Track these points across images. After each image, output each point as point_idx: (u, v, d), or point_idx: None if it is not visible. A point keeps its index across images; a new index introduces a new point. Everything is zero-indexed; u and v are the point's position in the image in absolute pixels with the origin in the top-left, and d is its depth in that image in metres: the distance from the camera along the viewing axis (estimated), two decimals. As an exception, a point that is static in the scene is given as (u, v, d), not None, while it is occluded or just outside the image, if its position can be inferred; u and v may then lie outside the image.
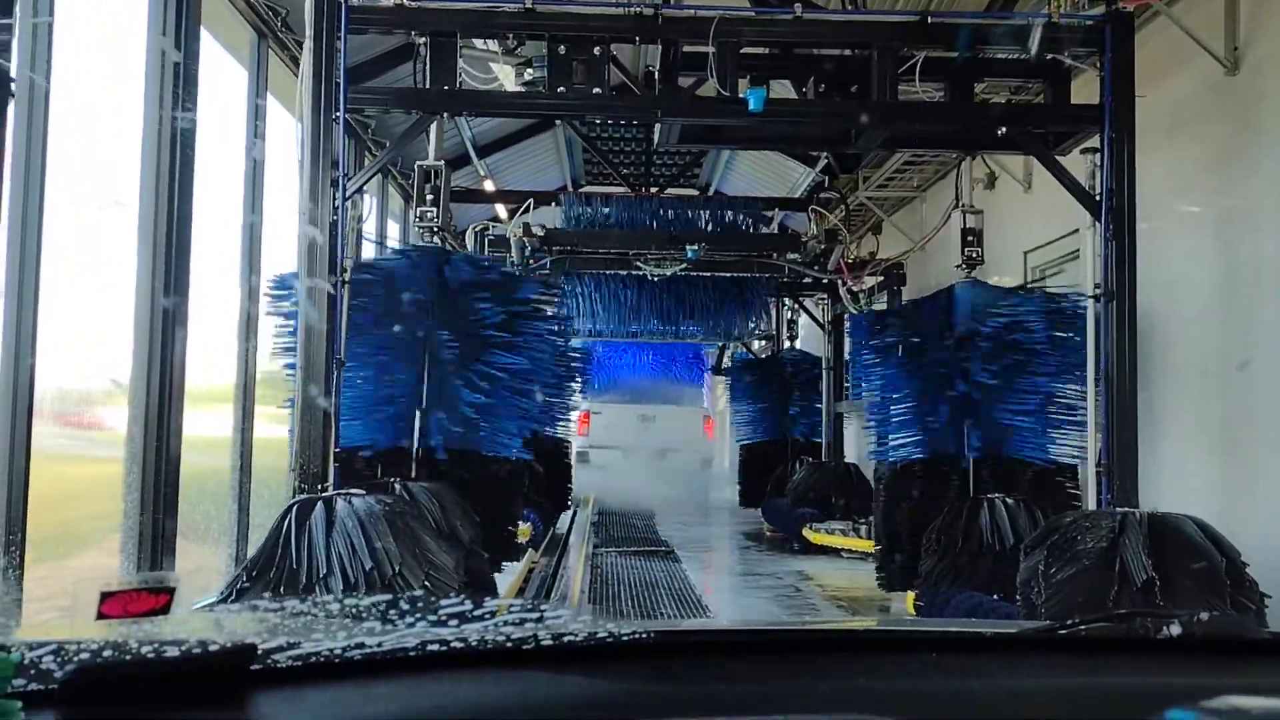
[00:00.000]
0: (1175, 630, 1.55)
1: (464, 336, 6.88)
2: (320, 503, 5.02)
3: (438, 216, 7.06)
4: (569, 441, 14.23)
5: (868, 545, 10.07)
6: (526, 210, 11.56)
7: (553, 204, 13.21)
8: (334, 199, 6.03)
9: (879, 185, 12.12)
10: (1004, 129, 6.41)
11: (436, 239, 7.22)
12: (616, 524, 14.75)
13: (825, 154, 12.04)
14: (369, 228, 7.50)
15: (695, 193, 15.68)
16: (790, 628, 2.35)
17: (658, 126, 6.78)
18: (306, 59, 6.05)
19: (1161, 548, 5.37)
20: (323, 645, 1.34)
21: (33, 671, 1.20)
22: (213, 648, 1.29)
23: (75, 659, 1.23)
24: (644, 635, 1.47)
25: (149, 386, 6.54)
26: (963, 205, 8.48)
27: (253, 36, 8.49)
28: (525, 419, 7.34)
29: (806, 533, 11.58)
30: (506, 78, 6.48)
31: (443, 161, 7.15)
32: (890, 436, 8.73)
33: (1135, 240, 6.21)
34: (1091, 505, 6.71)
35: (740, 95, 6.15)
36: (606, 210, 12.83)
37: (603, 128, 13.17)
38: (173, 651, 1.24)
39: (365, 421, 6.63)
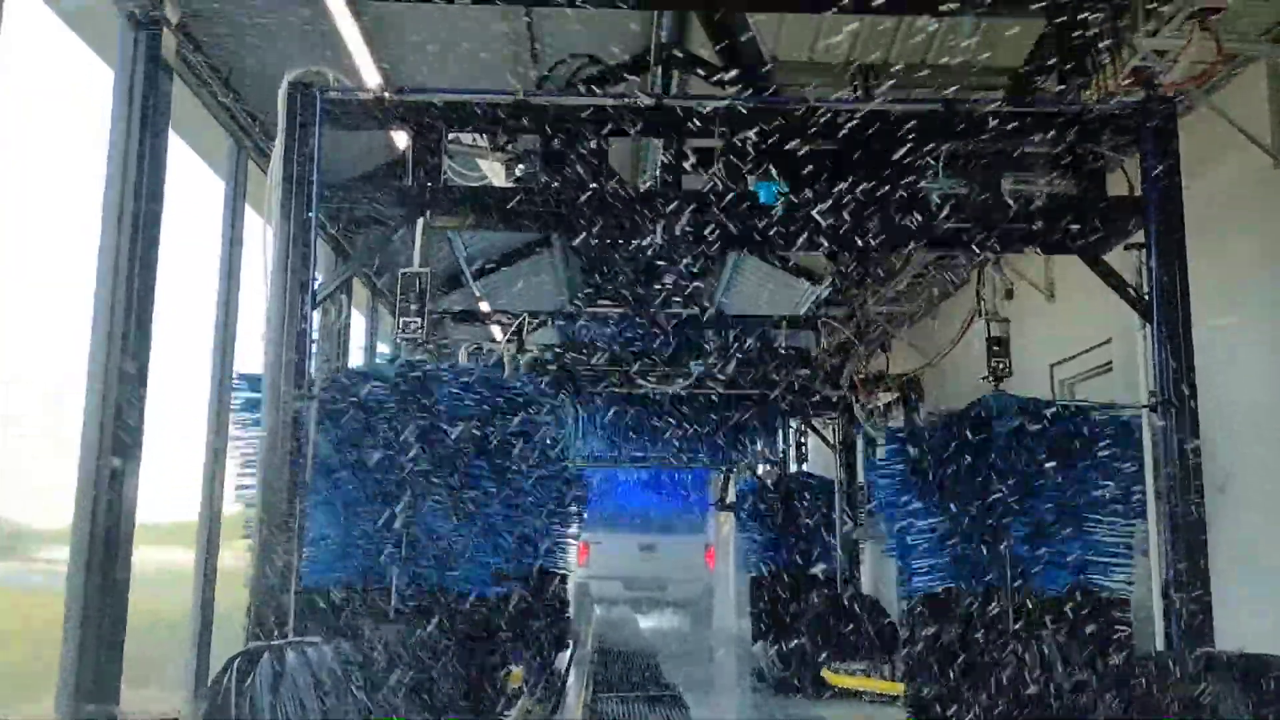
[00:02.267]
0: None
1: (446, 458, 6.20)
2: (267, 654, 4.27)
3: (422, 327, 6.46)
4: (567, 574, 13.39)
5: (894, 687, 9.21)
6: (521, 327, 11.03)
7: (549, 322, 12.70)
8: (303, 306, 5.44)
9: (889, 300, 11.61)
10: (1039, 224, 5.86)
11: (420, 352, 6.61)
12: (618, 663, 13.80)
13: (831, 270, 11.60)
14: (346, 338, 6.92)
15: (697, 311, 15.18)
16: None
17: (659, 228, 6.23)
18: (277, 154, 5.55)
19: (1259, 693, 4.61)
20: None
21: None
22: None
23: None
24: None
25: (94, 520, 5.85)
26: (986, 313, 7.92)
27: (231, 145, 8.07)
28: (519, 552, 6.62)
29: (825, 673, 10.68)
30: (496, 174, 5.98)
31: (427, 268, 6.59)
32: (916, 566, 8.00)
33: (1192, 344, 5.61)
34: (1154, 641, 5.96)
35: (750, 189, 5.63)
36: (606, 328, 12.30)
37: (601, 243, 12.74)
38: None
39: (333, 555, 5.90)
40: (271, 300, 5.39)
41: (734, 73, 7.64)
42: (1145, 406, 5.82)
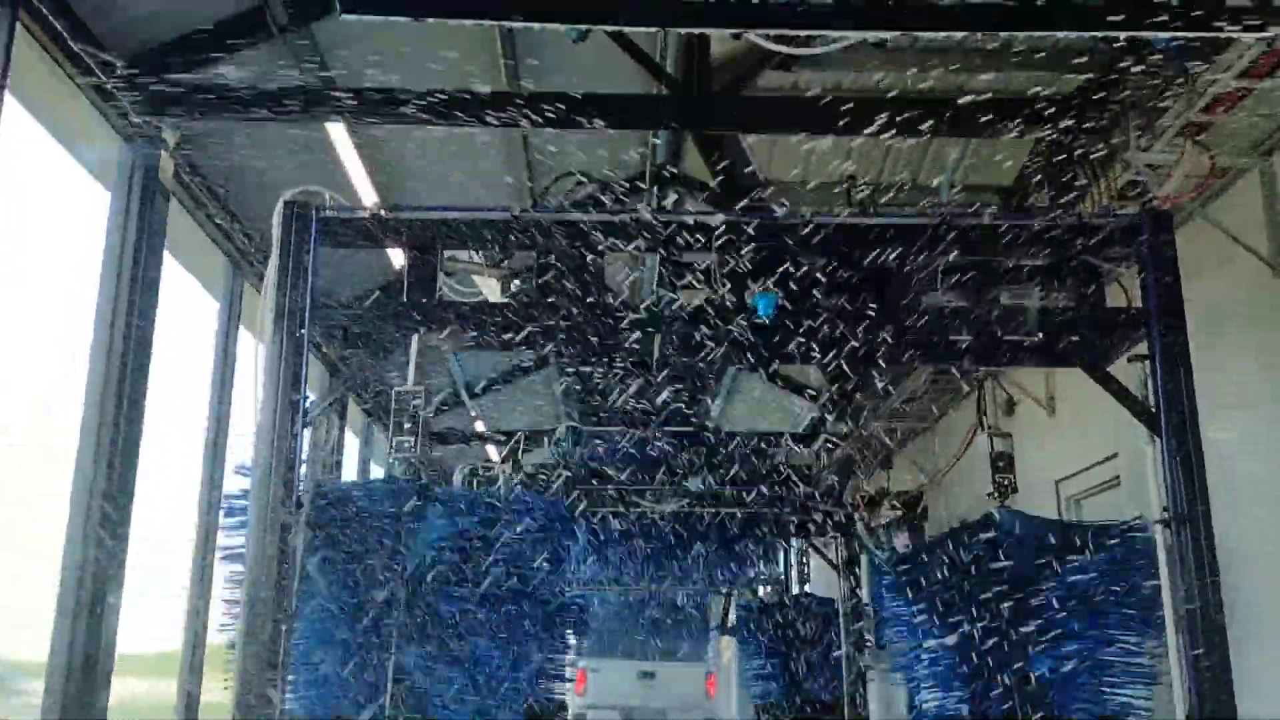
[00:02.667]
0: None
1: (436, 581, 5.99)
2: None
3: (415, 447, 6.34)
4: (565, 704, 12.96)
5: (907, 821, 8.76)
6: (517, 447, 10.88)
7: (546, 443, 12.55)
8: (293, 425, 5.31)
9: (888, 416, 11.51)
10: (1040, 337, 5.80)
11: (414, 471, 6.46)
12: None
13: (829, 387, 11.54)
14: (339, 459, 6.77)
15: (695, 429, 15.05)
16: None
17: (656, 343, 6.16)
18: (271, 272, 5.51)
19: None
20: None
21: None
22: None
23: None
24: None
25: (71, 651, 5.63)
26: (989, 429, 7.82)
27: (226, 265, 8.08)
28: (513, 686, 6.34)
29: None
30: (492, 291, 5.93)
31: (421, 387, 6.51)
32: (927, 693, 7.70)
33: (1203, 456, 5.48)
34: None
35: (748, 302, 5.58)
36: (602, 447, 12.14)
37: (597, 361, 12.70)
38: None
39: (316, 684, 5.63)
40: (261, 419, 5.28)
41: (729, 193, 7.73)
42: (1158, 522, 5.66)
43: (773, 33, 4.00)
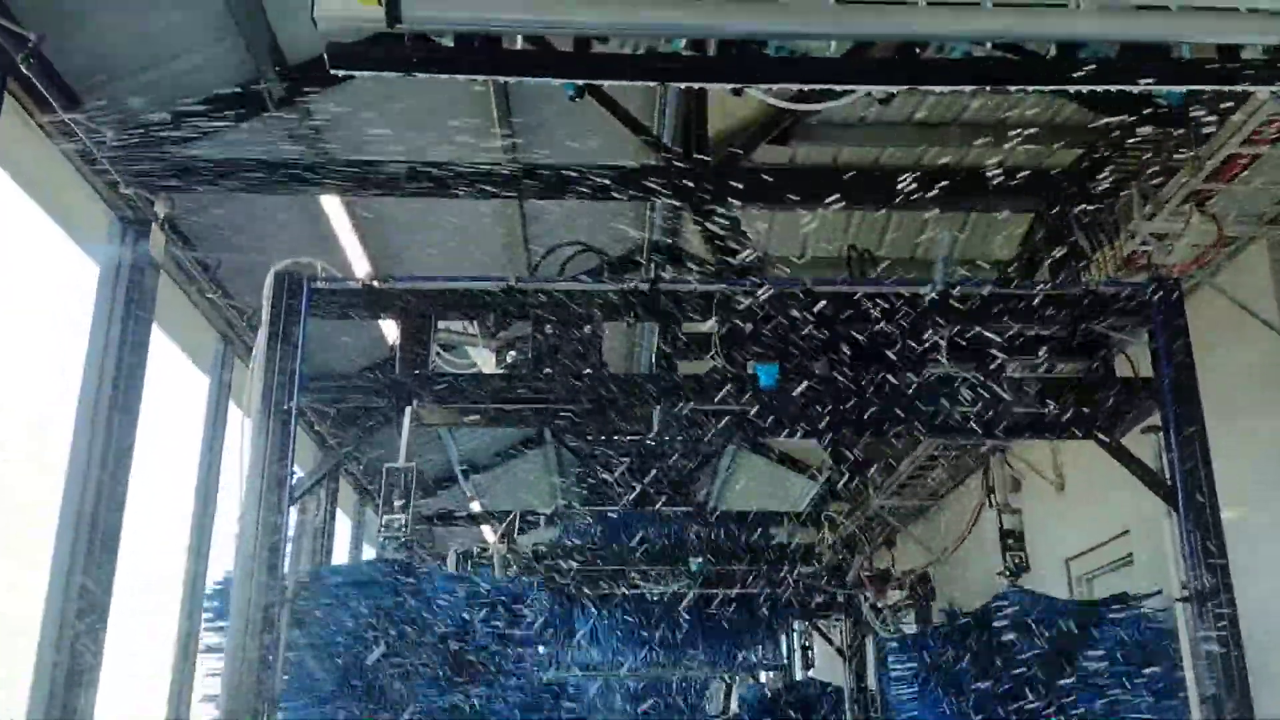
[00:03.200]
0: None
1: (424, 666, 5.73)
2: None
3: (406, 526, 6.11)
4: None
5: None
6: (512, 527, 10.64)
7: (541, 522, 12.30)
8: (280, 502, 5.12)
9: (892, 492, 11.28)
10: (1051, 408, 5.64)
11: (404, 552, 6.23)
12: None
13: (830, 466, 11.35)
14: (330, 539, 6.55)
15: (693, 509, 14.80)
16: None
17: (656, 417, 5.99)
18: (260, 344, 5.36)
19: None
20: None
21: None
22: None
23: None
24: None
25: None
26: (997, 504, 7.61)
27: (217, 341, 7.94)
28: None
29: None
30: (486, 362, 5.78)
31: (413, 463, 6.31)
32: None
33: (1222, 530, 5.29)
34: None
35: (749, 373, 5.44)
36: (600, 528, 11.88)
37: (594, 438, 12.51)
38: None
39: (303, 778, 5.35)
40: (247, 495, 5.09)
41: (728, 266, 7.64)
42: (1178, 600, 5.43)
43: (776, 87, 3.92)
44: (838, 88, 3.73)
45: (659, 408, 5.63)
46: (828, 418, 5.73)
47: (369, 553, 11.93)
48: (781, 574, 11.12)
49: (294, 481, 5.27)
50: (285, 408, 5.21)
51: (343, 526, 12.06)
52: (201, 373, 8.01)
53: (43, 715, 5.30)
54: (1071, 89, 3.52)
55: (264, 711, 4.80)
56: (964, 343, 5.88)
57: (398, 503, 6.14)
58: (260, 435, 5.15)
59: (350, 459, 7.97)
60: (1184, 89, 4.05)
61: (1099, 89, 3.50)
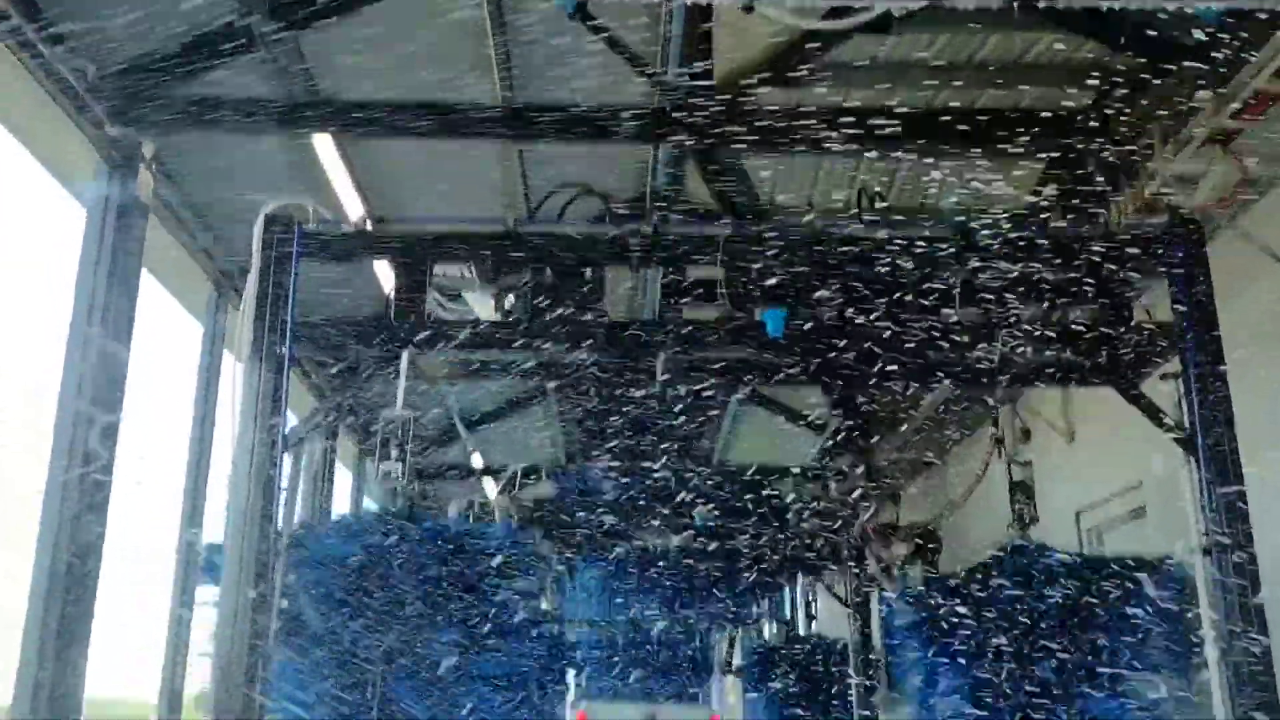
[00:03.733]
0: None
1: (423, 619, 5.62)
2: None
3: (403, 474, 5.97)
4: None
5: None
6: (513, 480, 10.53)
7: (543, 476, 12.19)
8: (273, 450, 4.97)
9: (899, 446, 11.15)
10: (1067, 354, 5.47)
11: (401, 501, 6.10)
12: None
13: (836, 418, 11.20)
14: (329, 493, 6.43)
15: (697, 464, 14.70)
16: None
17: (659, 366, 5.83)
18: (251, 288, 5.19)
19: None
20: None
21: None
22: None
23: None
24: None
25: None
26: (1007, 456, 7.48)
27: (211, 289, 7.77)
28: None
29: None
30: (484, 309, 5.61)
31: (410, 412, 6.16)
32: (943, 734, 7.31)
33: (1242, 477, 5.14)
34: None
35: (756, 319, 5.27)
36: (602, 482, 11.76)
37: (597, 388, 12.37)
38: None
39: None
40: (240, 443, 4.94)
41: (733, 211, 7.42)
42: (1196, 550, 5.30)
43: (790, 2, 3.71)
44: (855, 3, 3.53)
45: (663, 356, 5.46)
46: (836, 366, 5.57)
47: (370, 508, 11.84)
48: (785, 528, 11.03)
49: (289, 430, 5.12)
50: (278, 353, 5.05)
51: (343, 481, 11.98)
52: (197, 321, 7.86)
53: (32, 678, 5.17)
54: (1104, 4, 3.31)
55: (259, 664, 4.69)
56: (978, 288, 5.71)
57: (395, 452, 6.01)
58: (252, 381, 5.00)
59: (348, 411, 7.82)
60: (1222, 5, 3.84)
61: (1132, 6, 3.29)
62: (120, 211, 6.07)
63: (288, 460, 5.26)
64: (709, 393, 8.01)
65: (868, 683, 11.20)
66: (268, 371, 4.99)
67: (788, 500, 11.82)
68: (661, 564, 11.94)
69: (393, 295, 5.55)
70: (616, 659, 17.76)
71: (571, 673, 10.43)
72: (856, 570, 11.49)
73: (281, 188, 6.03)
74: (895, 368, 5.56)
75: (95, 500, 5.65)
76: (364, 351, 5.38)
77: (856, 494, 10.35)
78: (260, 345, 5.06)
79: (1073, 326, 5.74)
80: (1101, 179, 6.02)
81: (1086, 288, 5.74)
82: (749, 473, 12.12)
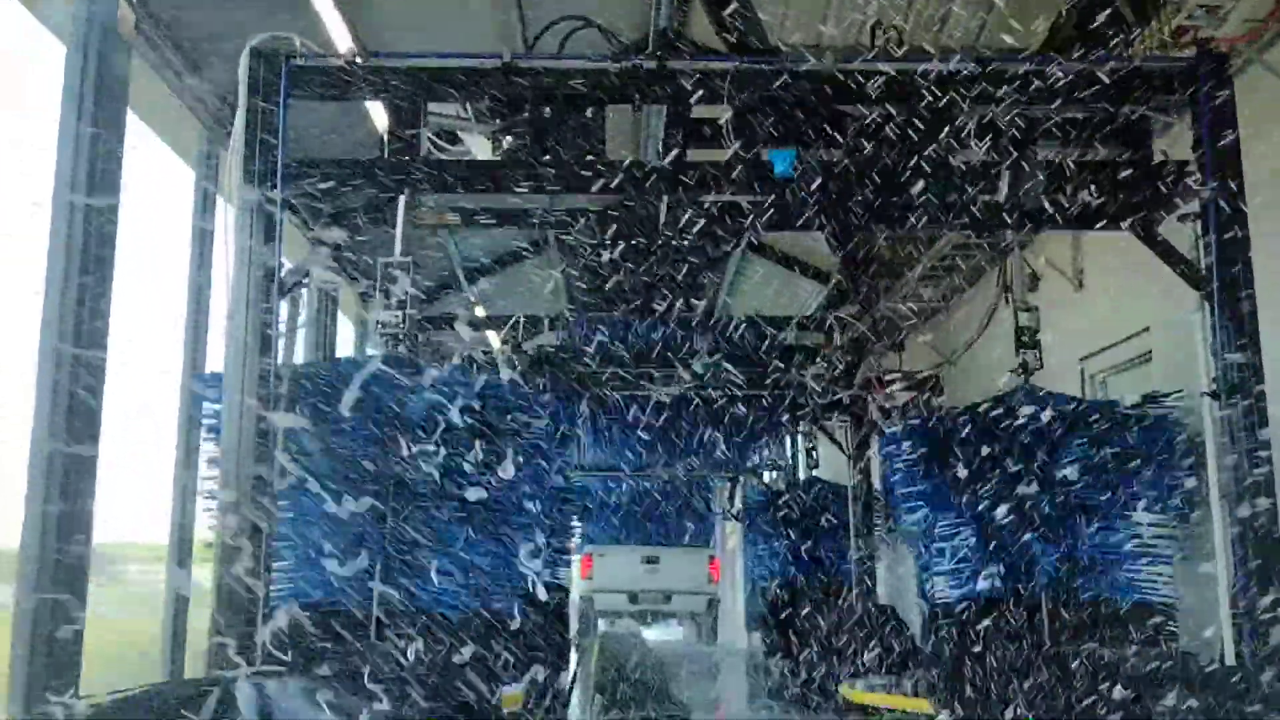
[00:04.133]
0: None
1: (428, 465, 5.63)
2: (220, 690, 3.66)
3: (403, 322, 5.90)
4: (566, 589, 12.82)
5: (920, 704, 8.59)
6: (516, 330, 10.48)
7: (545, 326, 12.13)
8: (268, 295, 4.87)
9: (903, 295, 11.05)
10: (1083, 196, 5.31)
11: (401, 348, 6.05)
12: (624, 679, 13.17)
13: (838, 267, 11.06)
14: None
15: (700, 313, 14.62)
16: None
17: (663, 208, 5.67)
18: (239, 126, 5.00)
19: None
20: None
21: None
22: None
23: None
24: None
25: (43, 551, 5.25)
26: (1014, 301, 7.39)
27: (201, 132, 7.53)
28: (507, 569, 6.04)
29: (845, 690, 10.07)
30: (481, 148, 5.42)
31: (409, 258, 6.04)
32: (939, 575, 7.45)
33: (1257, 322, 5.05)
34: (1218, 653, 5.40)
35: (763, 159, 5.09)
36: (605, 331, 11.72)
37: (601, 244, 12.17)
38: None
39: (310, 570, 5.31)
40: (233, 288, 4.83)
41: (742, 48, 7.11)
42: (1205, 394, 5.25)
43: None
44: None
45: (666, 198, 5.30)
46: (847, 208, 5.41)
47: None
48: (787, 376, 11.03)
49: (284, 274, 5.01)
50: (269, 194, 4.89)
51: (347, 335, 11.92)
52: (188, 167, 7.65)
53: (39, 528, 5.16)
54: None
55: (265, 508, 4.70)
56: (993, 127, 5.50)
57: (394, 299, 5.93)
58: (243, 223, 4.86)
59: (347, 261, 7.68)
60: None
61: None
62: (101, 49, 5.81)
63: (286, 307, 5.17)
64: (712, 241, 7.88)
65: (867, 524, 11.41)
66: (258, 212, 4.84)
67: (790, 348, 11.80)
68: (664, 413, 12.01)
69: (386, 137, 5.35)
70: (620, 507, 18.17)
71: (576, 519, 10.58)
72: (859, 417, 11.56)
73: (268, 23, 5.76)
74: (906, 211, 5.39)
75: (93, 339, 5.57)
76: (359, 193, 5.21)
77: (859, 342, 10.31)
78: (250, 185, 4.89)
79: (1089, 168, 5.55)
80: (1125, 8, 5.72)
81: (1105, 127, 5.53)
82: (751, 322, 12.07)
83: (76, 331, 5.40)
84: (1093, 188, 5.39)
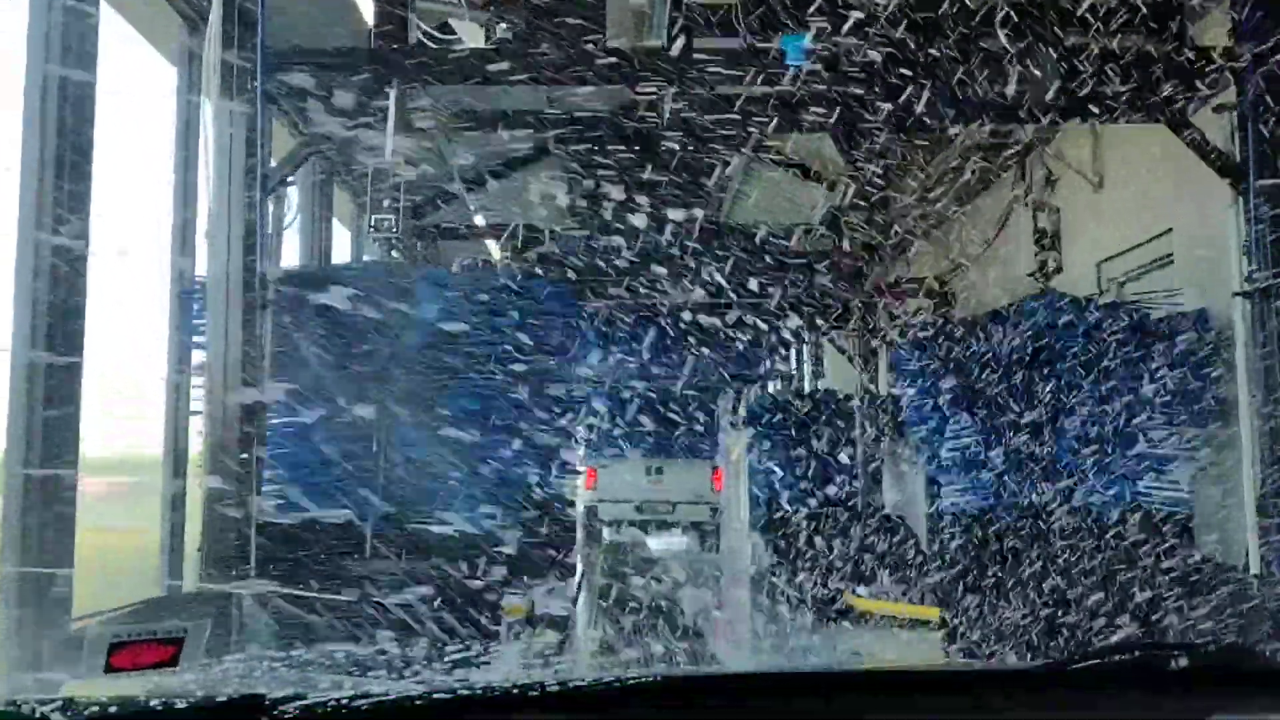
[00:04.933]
0: (1184, 662, 1.53)
1: (435, 371, 5.43)
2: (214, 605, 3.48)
3: (396, 224, 5.65)
4: (571, 501, 12.75)
5: (927, 612, 8.55)
6: (517, 237, 10.21)
7: (546, 237, 11.84)
8: (251, 194, 4.61)
9: (914, 199, 10.72)
10: (1115, 85, 4.99)
11: (396, 252, 5.80)
12: (628, 590, 13.21)
13: (846, 172, 10.72)
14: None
15: (705, 219, 14.30)
16: (796, 670, 2.23)
17: (666, 103, 5.36)
18: (215, 15, 4.68)
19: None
20: (330, 695, 1.33)
21: None
22: (221, 699, 1.27)
23: (85, 713, 1.22)
24: (651, 679, 1.45)
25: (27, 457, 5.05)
26: (1034, 202, 7.11)
27: (183, 27, 7.15)
28: (516, 476, 5.88)
29: (850, 599, 10.05)
30: (474, 37, 5.10)
31: (402, 158, 5.76)
32: (948, 484, 7.33)
33: (1294, 217, 4.79)
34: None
35: (775, 46, 4.78)
36: (608, 239, 11.43)
37: (603, 148, 11.81)
38: (181, 704, 1.26)
39: (302, 483, 5.15)
40: (214, 188, 4.57)
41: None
42: (1237, 294, 5.02)
43: None
44: None
45: (671, 90, 4.99)
46: (861, 100, 5.11)
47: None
48: (794, 284, 10.79)
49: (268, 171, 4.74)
50: (251, 87, 4.60)
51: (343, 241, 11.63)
52: (169, 64, 7.29)
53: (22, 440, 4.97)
54: None
55: (254, 420, 4.51)
56: (1019, 12, 5.16)
57: (386, 201, 5.67)
58: (223, 119, 4.58)
59: (341, 165, 7.38)
60: None
61: None
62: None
63: (271, 207, 4.91)
64: (718, 139, 7.55)
65: (875, 433, 11.28)
66: (239, 107, 4.55)
67: (797, 255, 11.53)
68: (668, 323, 11.81)
69: (373, 27, 5.03)
70: (624, 418, 18.09)
71: (581, 430, 10.45)
72: (867, 325, 11.35)
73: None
74: (927, 103, 5.09)
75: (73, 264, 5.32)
76: (346, 86, 4.91)
77: (868, 248, 10.04)
78: (230, 77, 4.60)
79: (1121, 55, 5.22)
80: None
81: (1138, 13, 5.19)
82: (757, 230, 11.77)
83: (56, 220, 5.11)
84: (1123, 77, 5.07)
